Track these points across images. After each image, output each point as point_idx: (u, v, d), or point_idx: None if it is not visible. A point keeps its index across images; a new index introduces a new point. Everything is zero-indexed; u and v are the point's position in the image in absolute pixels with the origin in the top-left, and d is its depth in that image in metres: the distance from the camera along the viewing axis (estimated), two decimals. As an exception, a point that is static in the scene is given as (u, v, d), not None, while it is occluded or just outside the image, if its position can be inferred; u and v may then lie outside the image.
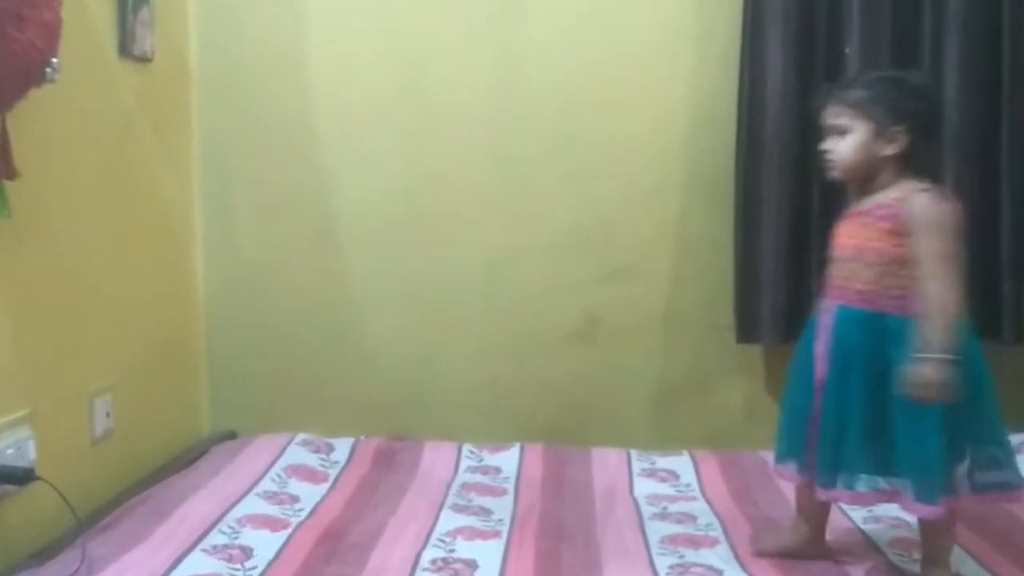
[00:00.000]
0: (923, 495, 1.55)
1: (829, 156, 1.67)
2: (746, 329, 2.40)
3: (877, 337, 1.59)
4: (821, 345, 1.66)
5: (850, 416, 1.60)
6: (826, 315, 1.67)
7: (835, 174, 1.68)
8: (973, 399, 1.56)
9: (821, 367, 1.65)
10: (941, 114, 1.67)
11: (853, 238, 1.64)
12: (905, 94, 1.62)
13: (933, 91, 1.70)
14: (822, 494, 1.64)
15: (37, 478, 1.70)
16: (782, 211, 2.34)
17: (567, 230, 2.50)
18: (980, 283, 2.30)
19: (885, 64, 2.28)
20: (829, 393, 1.63)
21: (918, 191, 1.57)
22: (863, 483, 1.60)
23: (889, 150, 1.61)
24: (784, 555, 1.72)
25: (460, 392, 2.52)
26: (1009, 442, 1.62)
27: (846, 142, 1.63)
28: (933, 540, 1.65)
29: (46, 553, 1.67)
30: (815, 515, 1.74)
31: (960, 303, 1.53)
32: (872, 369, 1.58)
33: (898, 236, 1.57)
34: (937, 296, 1.52)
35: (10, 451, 1.67)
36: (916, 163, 1.62)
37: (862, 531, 1.87)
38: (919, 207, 1.56)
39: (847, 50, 2.28)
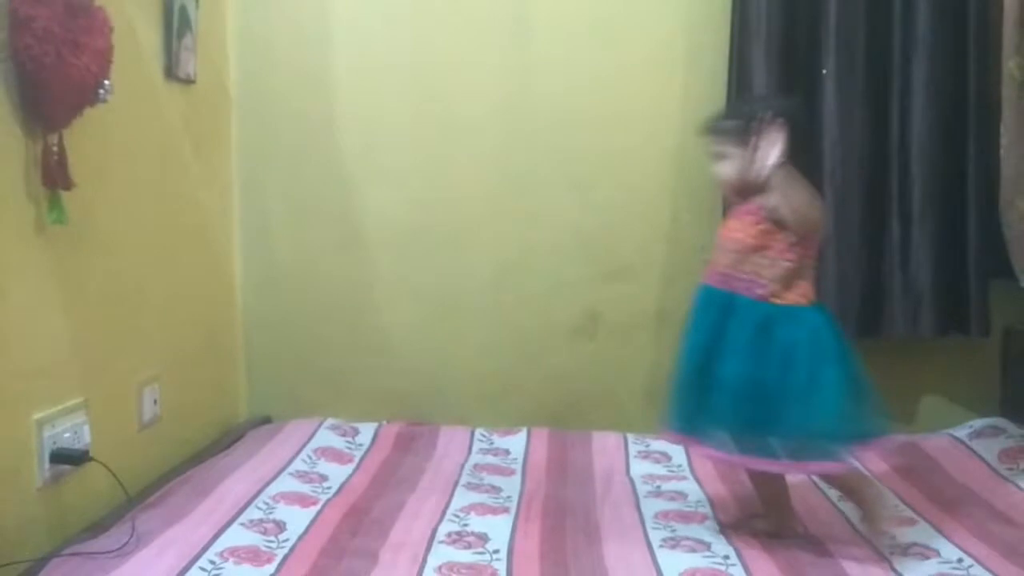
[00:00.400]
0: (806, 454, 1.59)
1: (717, 180, 1.72)
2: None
3: (722, 312, 1.66)
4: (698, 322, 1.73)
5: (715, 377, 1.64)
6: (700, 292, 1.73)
7: (724, 193, 1.72)
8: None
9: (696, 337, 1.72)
10: (800, 131, 1.70)
11: (725, 230, 1.71)
12: (767, 117, 1.64)
13: (794, 109, 1.73)
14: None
15: (91, 459, 1.71)
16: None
17: (570, 234, 2.50)
18: (951, 282, 2.31)
19: (859, 81, 2.28)
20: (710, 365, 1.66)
21: (783, 192, 1.62)
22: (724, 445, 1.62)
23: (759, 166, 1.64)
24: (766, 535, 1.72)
25: (473, 382, 2.52)
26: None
27: (727, 166, 1.68)
28: (851, 496, 1.73)
29: (99, 527, 1.68)
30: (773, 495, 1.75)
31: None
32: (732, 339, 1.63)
33: (757, 228, 1.63)
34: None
35: (67, 435, 1.68)
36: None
37: (838, 509, 1.87)
38: (776, 202, 1.61)
39: (824, 71, 2.28)
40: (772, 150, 1.62)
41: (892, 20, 2.29)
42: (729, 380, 1.61)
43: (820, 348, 1.62)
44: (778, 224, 1.63)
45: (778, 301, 1.64)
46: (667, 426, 1.75)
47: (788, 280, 1.64)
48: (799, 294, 1.65)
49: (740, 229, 1.67)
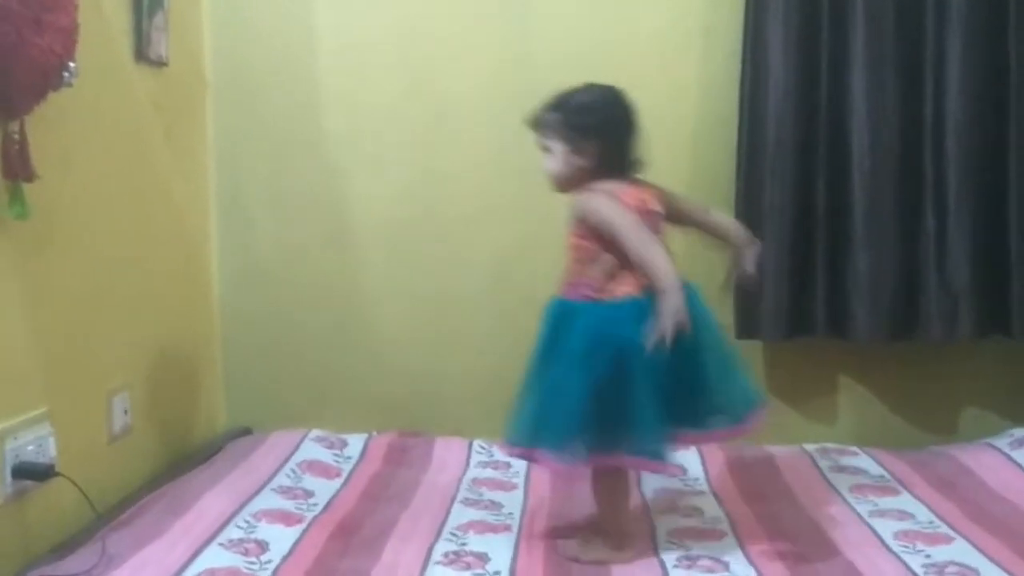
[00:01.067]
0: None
1: (547, 175, 1.79)
2: (746, 326, 2.39)
3: (559, 321, 1.74)
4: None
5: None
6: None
7: (552, 187, 1.80)
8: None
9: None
10: (628, 119, 1.77)
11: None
12: (586, 111, 1.74)
13: (614, 101, 1.78)
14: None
15: (57, 474, 1.71)
16: (783, 210, 2.32)
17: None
18: (991, 279, 2.31)
19: (889, 60, 2.28)
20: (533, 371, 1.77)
21: (586, 191, 1.72)
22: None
23: (583, 161, 1.73)
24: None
25: (470, 388, 2.52)
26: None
27: (551, 160, 1.77)
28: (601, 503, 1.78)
29: (66, 547, 1.67)
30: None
31: (659, 262, 1.64)
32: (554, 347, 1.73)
33: (584, 232, 1.72)
34: (645, 264, 1.64)
35: (31, 448, 1.68)
36: (612, 166, 1.74)
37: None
38: (578, 205, 1.72)
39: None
40: (560, 155, 1.74)
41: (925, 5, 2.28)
42: (559, 386, 1.67)
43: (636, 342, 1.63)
44: (584, 221, 1.71)
45: (605, 297, 1.71)
46: (507, 440, 1.78)
47: (612, 274, 1.71)
48: (628, 286, 1.70)
49: (571, 234, 1.76)
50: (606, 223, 1.68)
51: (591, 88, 1.79)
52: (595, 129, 1.74)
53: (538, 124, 1.79)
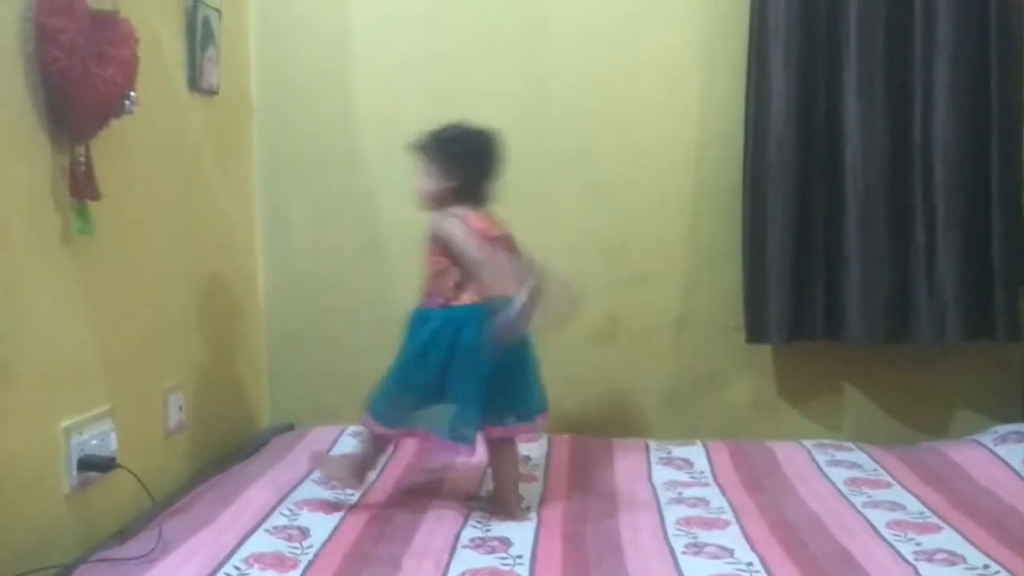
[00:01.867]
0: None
1: (417, 192, 1.89)
2: (754, 330, 2.39)
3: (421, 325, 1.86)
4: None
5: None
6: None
7: (421, 206, 1.89)
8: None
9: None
10: (491, 158, 1.90)
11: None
12: (457, 143, 1.88)
13: (483, 141, 1.90)
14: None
15: (118, 466, 1.73)
16: (786, 220, 2.32)
17: (589, 240, 2.50)
18: (977, 288, 2.29)
19: (880, 84, 2.27)
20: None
21: (443, 214, 1.84)
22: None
23: (448, 185, 1.85)
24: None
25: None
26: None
27: (422, 180, 1.88)
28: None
29: (126, 533, 1.69)
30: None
31: (495, 277, 1.79)
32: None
33: (437, 248, 1.84)
34: (482, 278, 1.80)
35: (94, 442, 1.70)
36: (469, 195, 1.86)
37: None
38: (433, 225, 1.84)
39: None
40: (429, 176, 1.86)
41: (913, 23, 2.28)
42: (402, 372, 1.83)
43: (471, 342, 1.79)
44: (436, 239, 1.84)
45: (454, 304, 1.83)
46: (377, 419, 1.87)
47: (460, 285, 1.83)
48: (473, 295, 1.82)
49: (428, 251, 1.87)
50: (453, 241, 1.81)
51: (467, 127, 1.91)
52: (461, 159, 1.87)
53: (418, 148, 1.90)
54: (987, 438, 2.24)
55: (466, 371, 1.79)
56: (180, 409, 2.07)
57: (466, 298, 1.83)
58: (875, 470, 2.13)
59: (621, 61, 2.47)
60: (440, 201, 1.87)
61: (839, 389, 2.52)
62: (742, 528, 1.78)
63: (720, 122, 2.43)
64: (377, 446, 1.93)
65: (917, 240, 2.31)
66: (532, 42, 2.48)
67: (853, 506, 1.89)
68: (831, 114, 2.31)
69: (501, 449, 1.90)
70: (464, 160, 1.88)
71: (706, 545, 1.69)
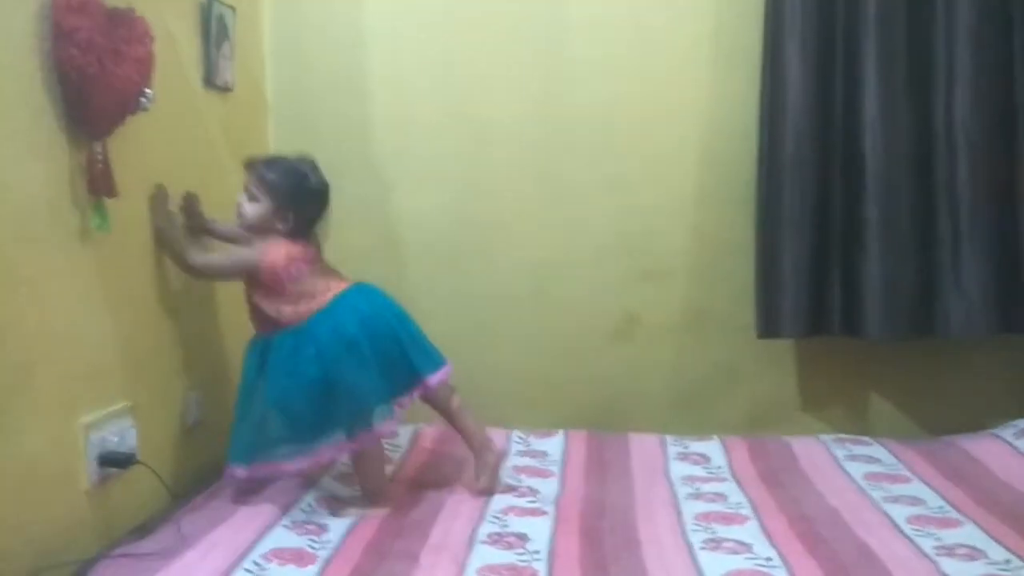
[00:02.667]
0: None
1: (239, 210, 1.90)
2: (768, 325, 2.36)
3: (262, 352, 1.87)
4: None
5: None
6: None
7: (239, 224, 1.91)
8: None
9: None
10: (320, 194, 1.94)
11: None
12: (301, 185, 1.89)
13: (315, 180, 1.93)
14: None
15: (138, 462, 1.73)
16: (802, 216, 2.30)
17: (608, 237, 2.50)
18: (1002, 282, 2.27)
19: (901, 72, 2.25)
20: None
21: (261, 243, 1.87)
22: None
23: (279, 224, 1.87)
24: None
25: (511, 384, 2.52)
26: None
27: (254, 208, 1.88)
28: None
29: (146, 529, 1.70)
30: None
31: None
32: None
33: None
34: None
35: (115, 438, 1.71)
36: (294, 226, 1.88)
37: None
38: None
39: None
40: (249, 207, 1.88)
41: (935, 10, 2.25)
42: (275, 400, 1.80)
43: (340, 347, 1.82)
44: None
45: (289, 324, 1.84)
46: (235, 463, 1.84)
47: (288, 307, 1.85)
48: (296, 314, 1.85)
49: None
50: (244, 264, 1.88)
51: (303, 161, 1.93)
52: (298, 202, 1.88)
53: (262, 177, 1.88)
54: (1007, 432, 2.22)
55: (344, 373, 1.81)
56: (198, 405, 2.08)
57: (291, 317, 1.85)
58: (894, 465, 2.12)
59: (637, 57, 2.46)
60: (263, 230, 1.89)
61: (858, 384, 2.51)
62: (760, 523, 1.77)
63: (737, 116, 2.41)
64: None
65: (940, 233, 2.28)
66: (548, 37, 2.47)
67: (872, 501, 1.88)
68: (849, 105, 2.28)
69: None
70: (300, 204, 1.90)
71: (724, 540, 1.68)
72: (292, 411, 1.79)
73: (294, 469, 1.84)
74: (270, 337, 1.86)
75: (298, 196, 1.89)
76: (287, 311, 1.85)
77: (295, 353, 1.81)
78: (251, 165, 1.91)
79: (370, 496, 1.87)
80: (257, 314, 1.89)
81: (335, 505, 1.85)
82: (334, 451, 1.84)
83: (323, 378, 1.79)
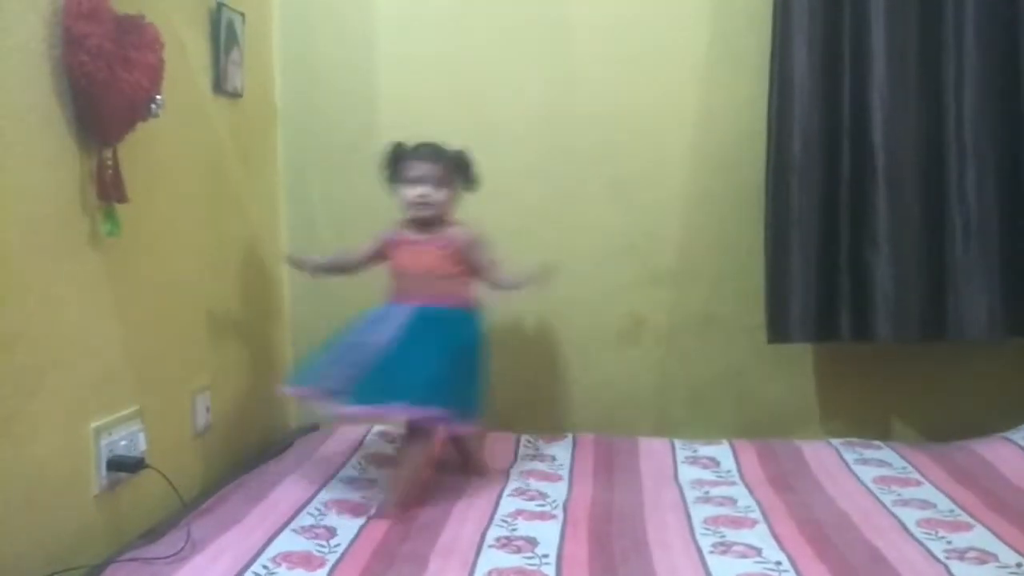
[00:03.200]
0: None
1: (426, 199, 2.01)
2: (776, 329, 2.34)
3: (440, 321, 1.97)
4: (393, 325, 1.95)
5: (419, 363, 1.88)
6: (399, 309, 1.99)
7: (426, 213, 2.02)
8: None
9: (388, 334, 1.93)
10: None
11: (425, 258, 2.02)
12: (474, 173, 2.07)
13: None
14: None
15: (147, 466, 1.74)
16: (810, 218, 2.28)
17: (614, 240, 2.49)
18: (1008, 282, 2.25)
19: (910, 79, 2.24)
20: (401, 350, 1.90)
21: (459, 229, 2.05)
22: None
23: (453, 210, 2.05)
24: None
25: (518, 388, 2.52)
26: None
27: (444, 195, 2.03)
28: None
29: (155, 533, 1.70)
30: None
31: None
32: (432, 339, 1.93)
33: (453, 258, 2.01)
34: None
35: (123, 443, 1.71)
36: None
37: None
38: (463, 237, 2.03)
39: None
40: (440, 194, 2.03)
41: (944, 12, 2.24)
42: (429, 366, 1.87)
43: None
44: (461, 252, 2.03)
45: (467, 303, 2.05)
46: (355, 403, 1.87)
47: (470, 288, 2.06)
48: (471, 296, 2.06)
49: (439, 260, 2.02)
50: (482, 249, 2.05)
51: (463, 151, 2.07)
52: (467, 185, 2.08)
53: (443, 162, 2.03)
54: (1018, 435, 2.20)
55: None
56: (207, 410, 2.08)
57: (473, 300, 2.05)
58: (904, 468, 2.11)
59: (644, 59, 2.45)
60: (443, 217, 2.04)
61: (868, 387, 2.49)
62: (770, 527, 1.76)
63: (744, 118, 2.40)
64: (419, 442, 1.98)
65: (951, 235, 2.26)
66: (556, 41, 2.47)
67: (882, 504, 1.87)
68: (857, 107, 2.26)
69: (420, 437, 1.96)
70: (468, 187, 2.09)
71: (734, 544, 1.68)
72: (444, 374, 1.88)
73: (402, 417, 1.97)
74: (441, 310, 1.99)
75: (471, 183, 2.08)
76: (470, 292, 2.05)
77: (467, 327, 2.01)
78: (435, 153, 2.03)
79: (396, 494, 1.87)
80: (451, 288, 2.02)
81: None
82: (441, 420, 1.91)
83: (480, 359, 2.01)
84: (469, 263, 2.04)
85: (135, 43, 1.60)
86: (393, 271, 2.07)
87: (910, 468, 2.10)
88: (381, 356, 1.89)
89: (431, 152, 2.03)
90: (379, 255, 2.12)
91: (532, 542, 1.69)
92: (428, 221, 2.03)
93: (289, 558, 1.58)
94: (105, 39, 1.53)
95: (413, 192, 2.02)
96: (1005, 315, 2.26)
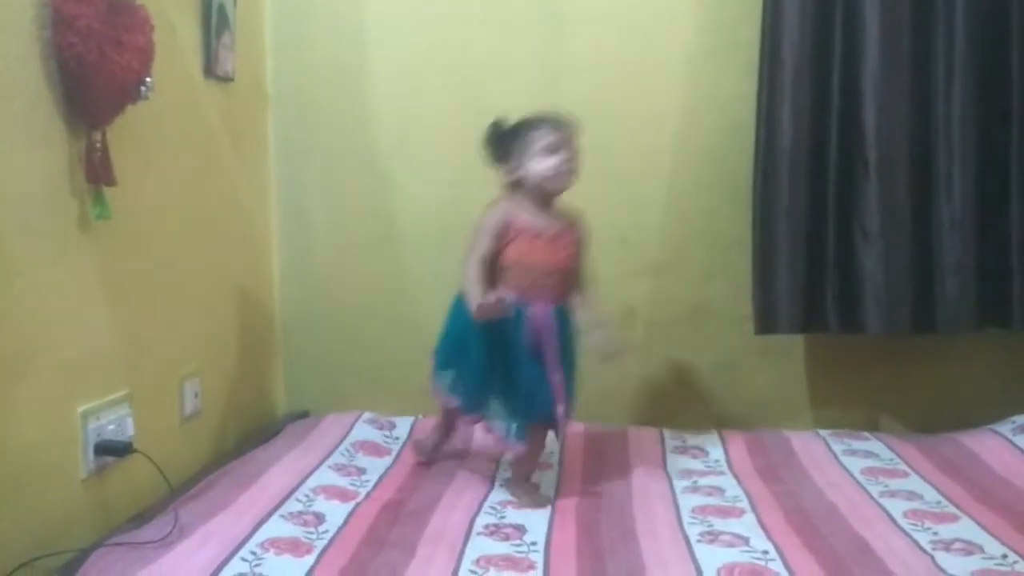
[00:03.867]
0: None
1: (573, 167, 1.87)
2: (764, 320, 2.34)
3: (567, 322, 1.92)
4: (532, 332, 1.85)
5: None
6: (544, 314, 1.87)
7: (572, 181, 1.88)
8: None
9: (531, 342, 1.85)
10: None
11: (561, 254, 1.90)
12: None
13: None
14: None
15: (135, 451, 1.73)
16: (797, 211, 2.28)
17: (606, 231, 2.46)
18: (995, 275, 2.26)
19: (901, 72, 2.23)
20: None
21: (575, 212, 1.95)
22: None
23: None
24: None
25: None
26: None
27: (580, 161, 1.87)
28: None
29: (142, 518, 1.69)
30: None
31: None
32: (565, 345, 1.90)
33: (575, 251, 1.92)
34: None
35: (111, 427, 1.70)
36: None
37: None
38: (580, 223, 1.95)
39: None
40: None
41: (936, 6, 2.24)
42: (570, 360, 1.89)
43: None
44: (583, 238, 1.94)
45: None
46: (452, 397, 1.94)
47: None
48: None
49: (572, 254, 1.94)
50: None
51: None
52: None
53: (573, 129, 1.89)
54: (1005, 427, 2.22)
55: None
56: (196, 395, 2.07)
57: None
58: (892, 459, 2.12)
59: (636, 56, 2.44)
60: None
61: (856, 378, 2.50)
62: (758, 517, 1.77)
63: (734, 110, 2.40)
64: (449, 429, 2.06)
65: (939, 227, 2.26)
66: (548, 32, 2.46)
67: (870, 495, 1.88)
68: (847, 99, 2.26)
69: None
70: None
71: (721, 533, 1.68)
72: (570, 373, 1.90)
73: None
74: (567, 310, 1.93)
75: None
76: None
77: (573, 321, 1.93)
78: (562, 120, 1.89)
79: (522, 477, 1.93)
80: (572, 280, 1.94)
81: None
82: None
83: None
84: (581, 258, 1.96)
85: (126, 25, 1.59)
86: (515, 263, 1.87)
87: (898, 459, 2.11)
88: (537, 377, 1.86)
89: (558, 120, 1.88)
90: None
91: (520, 530, 1.69)
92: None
93: (277, 544, 1.58)
94: (95, 20, 1.51)
95: (551, 161, 1.84)
96: (993, 308, 2.26)
